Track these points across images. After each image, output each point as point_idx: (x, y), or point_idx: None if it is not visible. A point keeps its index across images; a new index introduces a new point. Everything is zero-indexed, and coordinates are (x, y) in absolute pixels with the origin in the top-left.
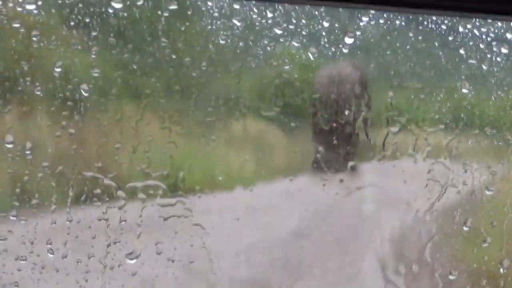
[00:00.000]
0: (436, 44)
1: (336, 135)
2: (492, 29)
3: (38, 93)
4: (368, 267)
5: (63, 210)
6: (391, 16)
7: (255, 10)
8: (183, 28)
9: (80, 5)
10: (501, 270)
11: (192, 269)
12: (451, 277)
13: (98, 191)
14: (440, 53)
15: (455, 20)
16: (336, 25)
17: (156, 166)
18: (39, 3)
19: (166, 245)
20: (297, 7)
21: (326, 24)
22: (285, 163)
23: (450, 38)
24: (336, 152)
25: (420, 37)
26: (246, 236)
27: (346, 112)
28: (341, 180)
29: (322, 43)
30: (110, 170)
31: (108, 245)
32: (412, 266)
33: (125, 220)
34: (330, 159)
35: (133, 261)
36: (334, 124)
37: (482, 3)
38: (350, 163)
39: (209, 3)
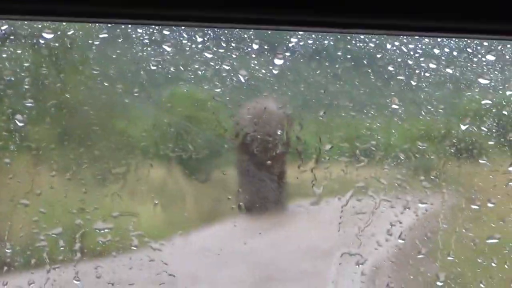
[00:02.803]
0: (365, 62)
1: (262, 171)
2: (419, 45)
3: None
4: None
5: None
6: (320, 36)
7: (185, 35)
8: (114, 56)
9: (12, 36)
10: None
11: None
12: None
13: None
14: (369, 71)
15: (382, 38)
16: (266, 47)
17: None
18: None
19: None
20: (226, 31)
21: (255, 46)
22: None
23: (379, 56)
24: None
25: (348, 56)
26: None
27: (271, 148)
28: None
29: (252, 65)
30: None
31: None
32: None
33: None
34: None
35: None
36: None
37: (404, 20)
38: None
39: (139, 30)
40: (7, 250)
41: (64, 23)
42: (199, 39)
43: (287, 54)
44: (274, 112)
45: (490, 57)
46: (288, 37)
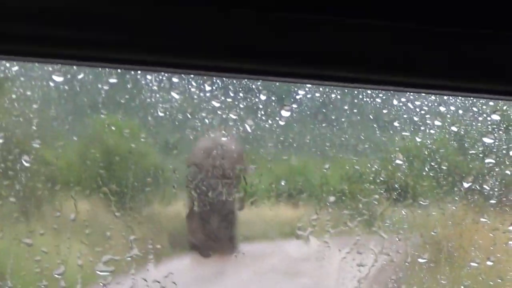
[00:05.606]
0: (371, 117)
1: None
2: (425, 102)
3: None
4: None
5: None
6: (327, 89)
7: (193, 83)
8: (122, 101)
9: (22, 78)
10: None
11: None
12: None
13: None
14: (375, 125)
15: (389, 94)
16: (273, 98)
17: None
18: None
19: None
20: (234, 81)
21: (263, 97)
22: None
23: (385, 111)
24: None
25: (355, 110)
26: None
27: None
28: None
29: (259, 115)
30: None
31: None
32: None
33: None
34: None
35: None
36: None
37: (412, 77)
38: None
39: (149, 77)
40: None
41: (74, 67)
42: (208, 88)
43: (294, 106)
44: (228, 149)
45: (495, 117)
46: (295, 89)
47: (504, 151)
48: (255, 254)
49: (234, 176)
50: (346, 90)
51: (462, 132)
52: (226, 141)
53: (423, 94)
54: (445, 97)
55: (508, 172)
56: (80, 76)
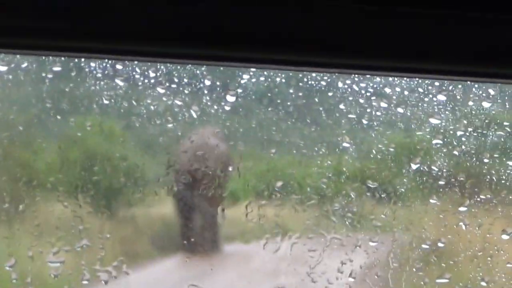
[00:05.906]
0: (316, 100)
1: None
2: (371, 84)
3: None
4: None
5: None
6: (272, 73)
7: (138, 70)
8: (67, 89)
9: None
10: None
11: None
12: None
13: None
14: (320, 109)
15: (334, 76)
16: (218, 83)
17: None
18: None
19: None
20: (179, 66)
21: (207, 82)
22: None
23: (330, 94)
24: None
25: (300, 93)
26: None
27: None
28: None
29: (204, 101)
30: None
31: None
32: None
33: None
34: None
35: None
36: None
37: (356, 59)
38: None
39: (92, 64)
40: None
41: (17, 56)
42: (152, 74)
43: (239, 90)
44: (215, 148)
45: (441, 97)
46: (240, 74)
47: (451, 132)
48: None
49: (218, 176)
50: (291, 74)
51: (408, 114)
52: (211, 141)
53: (368, 76)
54: (391, 79)
55: (456, 152)
56: (24, 65)
